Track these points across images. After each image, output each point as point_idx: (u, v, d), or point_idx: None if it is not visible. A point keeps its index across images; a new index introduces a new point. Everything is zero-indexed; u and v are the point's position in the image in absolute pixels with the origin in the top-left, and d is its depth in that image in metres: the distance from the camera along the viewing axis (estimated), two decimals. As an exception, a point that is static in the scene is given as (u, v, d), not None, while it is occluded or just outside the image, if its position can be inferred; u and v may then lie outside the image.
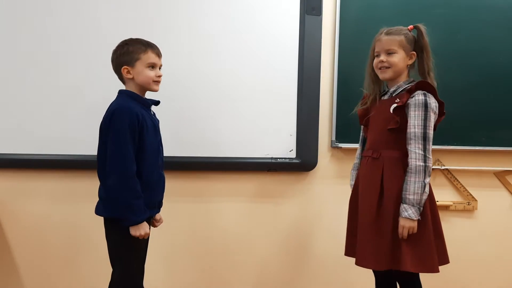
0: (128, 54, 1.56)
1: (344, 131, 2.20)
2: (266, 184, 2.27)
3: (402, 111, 1.57)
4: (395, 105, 1.57)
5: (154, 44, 1.61)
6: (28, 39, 2.11)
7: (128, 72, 1.56)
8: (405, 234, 1.52)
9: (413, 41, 1.62)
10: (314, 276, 2.30)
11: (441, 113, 1.61)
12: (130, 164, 1.49)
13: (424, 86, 1.56)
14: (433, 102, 1.54)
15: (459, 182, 2.31)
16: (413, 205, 1.51)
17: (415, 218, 1.51)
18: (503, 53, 2.22)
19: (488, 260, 2.33)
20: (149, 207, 1.61)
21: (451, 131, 2.23)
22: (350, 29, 2.19)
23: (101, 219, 1.60)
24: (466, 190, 2.31)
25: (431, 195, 1.61)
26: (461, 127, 2.24)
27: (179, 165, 2.14)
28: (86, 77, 2.12)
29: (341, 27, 2.19)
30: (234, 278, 2.29)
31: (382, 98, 1.69)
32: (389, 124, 1.59)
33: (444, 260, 1.62)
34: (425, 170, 1.52)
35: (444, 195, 2.32)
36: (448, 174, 2.31)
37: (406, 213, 1.51)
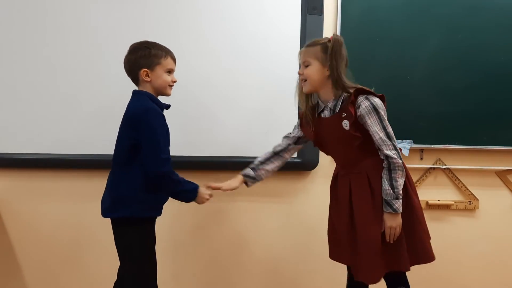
0: (149, 57, 1.58)
1: (345, 131, 2.21)
2: (267, 184, 2.26)
3: (356, 123, 1.55)
4: (346, 122, 1.55)
5: (171, 50, 1.64)
6: (29, 39, 2.12)
7: (147, 75, 1.58)
8: (395, 233, 1.54)
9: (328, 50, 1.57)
10: (315, 275, 2.31)
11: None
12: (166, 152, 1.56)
13: (361, 91, 1.55)
14: (377, 101, 1.54)
15: (460, 181, 2.31)
16: (400, 199, 1.53)
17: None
18: (504, 52, 2.22)
19: (490, 260, 2.33)
20: (159, 206, 1.65)
21: (452, 130, 2.24)
22: (351, 29, 2.19)
23: (105, 218, 1.61)
24: (468, 189, 2.31)
25: (414, 188, 1.64)
26: (462, 126, 2.24)
27: (180, 165, 2.13)
28: (94, 76, 2.12)
29: (342, 27, 2.19)
30: (237, 276, 2.30)
31: (322, 115, 1.65)
32: (353, 142, 1.57)
33: (425, 258, 1.59)
34: (403, 166, 1.55)
35: (445, 195, 2.32)
36: (450, 173, 2.31)
37: (401, 208, 1.52)
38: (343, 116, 1.56)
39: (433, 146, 2.25)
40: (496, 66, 2.22)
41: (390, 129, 1.55)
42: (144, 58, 1.58)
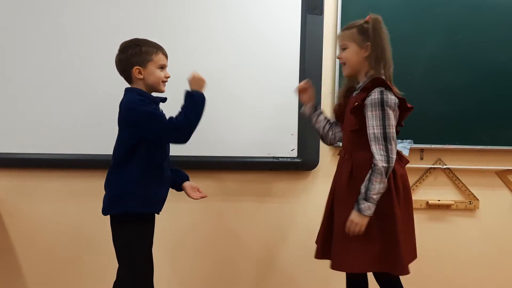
0: (140, 55, 1.57)
1: (345, 131, 2.21)
2: (267, 184, 2.27)
3: (361, 111, 1.54)
4: (356, 104, 1.54)
5: (162, 46, 1.64)
6: (30, 39, 2.11)
7: (140, 72, 1.58)
8: (354, 230, 1.50)
9: (367, 31, 1.56)
10: (315, 275, 2.30)
11: (405, 108, 1.56)
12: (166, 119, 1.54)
13: (380, 82, 1.51)
14: (391, 99, 1.50)
15: (460, 181, 2.31)
16: (375, 204, 1.49)
17: (370, 216, 1.50)
18: (504, 51, 2.22)
19: (490, 260, 2.33)
20: (157, 202, 1.65)
21: (453, 130, 2.24)
22: (351, 29, 2.19)
23: (105, 218, 1.61)
24: (468, 189, 2.31)
25: (408, 199, 1.60)
26: (463, 126, 2.24)
27: (180, 165, 2.13)
28: (93, 76, 2.12)
29: (343, 27, 2.19)
30: (237, 276, 2.29)
31: (353, 94, 1.67)
32: (350, 126, 1.57)
33: (395, 268, 1.54)
34: (388, 171, 1.49)
35: (445, 195, 2.32)
36: (450, 173, 2.31)
37: (369, 211, 1.49)
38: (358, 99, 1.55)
39: (433, 146, 2.25)
40: (496, 65, 2.22)
41: (390, 131, 1.49)
42: (135, 56, 1.57)
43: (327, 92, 2.24)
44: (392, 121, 1.50)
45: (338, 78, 2.21)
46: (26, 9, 2.11)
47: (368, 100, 1.51)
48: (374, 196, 1.49)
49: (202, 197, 1.74)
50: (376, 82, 1.52)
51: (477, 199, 2.31)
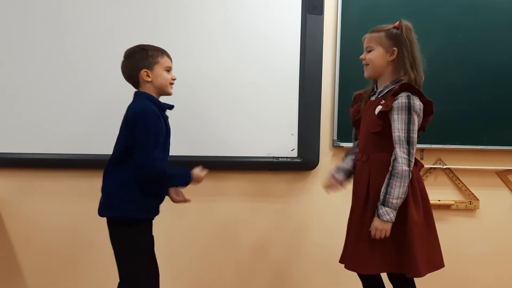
0: (147, 58, 1.59)
1: (345, 130, 2.20)
2: (267, 183, 2.27)
3: (387, 114, 1.54)
4: (380, 107, 1.55)
5: (165, 50, 1.65)
6: (34, 37, 2.12)
7: (148, 75, 1.59)
8: (379, 236, 1.50)
9: (396, 37, 1.57)
10: (314, 275, 2.30)
11: (429, 112, 1.57)
12: (159, 152, 1.56)
13: (408, 88, 1.52)
14: (417, 105, 1.51)
15: (460, 181, 2.31)
16: (395, 209, 1.49)
17: (392, 221, 1.49)
18: (504, 51, 2.22)
19: (490, 259, 2.33)
20: (151, 207, 1.63)
21: (453, 130, 2.24)
22: (351, 28, 2.19)
23: (105, 219, 1.61)
24: (468, 189, 2.31)
25: (426, 204, 1.59)
26: (463, 126, 2.24)
27: (180, 165, 2.13)
28: (93, 76, 2.13)
29: (343, 26, 2.20)
30: (236, 276, 2.29)
31: (371, 98, 1.67)
32: (373, 128, 1.58)
33: (410, 270, 1.54)
34: (408, 175, 1.50)
35: (445, 195, 2.32)
36: (450, 173, 2.31)
37: (388, 216, 1.48)
38: (381, 102, 1.55)
39: (433, 146, 2.25)
40: (496, 65, 2.22)
41: (413, 135, 1.50)
42: (142, 59, 1.59)
43: (327, 92, 2.24)
44: (416, 126, 1.52)
45: (338, 78, 2.21)
46: (27, 8, 2.11)
47: (395, 104, 1.52)
48: (394, 201, 1.48)
49: (184, 201, 1.74)
50: (404, 87, 1.53)
51: (477, 199, 2.31)
